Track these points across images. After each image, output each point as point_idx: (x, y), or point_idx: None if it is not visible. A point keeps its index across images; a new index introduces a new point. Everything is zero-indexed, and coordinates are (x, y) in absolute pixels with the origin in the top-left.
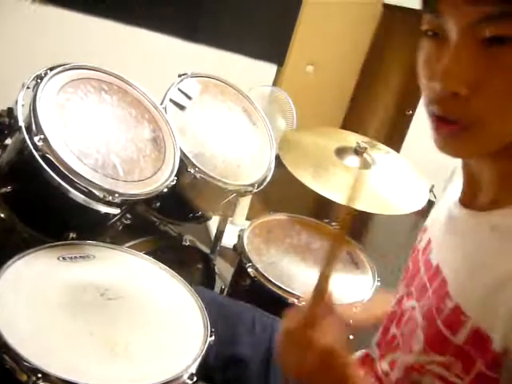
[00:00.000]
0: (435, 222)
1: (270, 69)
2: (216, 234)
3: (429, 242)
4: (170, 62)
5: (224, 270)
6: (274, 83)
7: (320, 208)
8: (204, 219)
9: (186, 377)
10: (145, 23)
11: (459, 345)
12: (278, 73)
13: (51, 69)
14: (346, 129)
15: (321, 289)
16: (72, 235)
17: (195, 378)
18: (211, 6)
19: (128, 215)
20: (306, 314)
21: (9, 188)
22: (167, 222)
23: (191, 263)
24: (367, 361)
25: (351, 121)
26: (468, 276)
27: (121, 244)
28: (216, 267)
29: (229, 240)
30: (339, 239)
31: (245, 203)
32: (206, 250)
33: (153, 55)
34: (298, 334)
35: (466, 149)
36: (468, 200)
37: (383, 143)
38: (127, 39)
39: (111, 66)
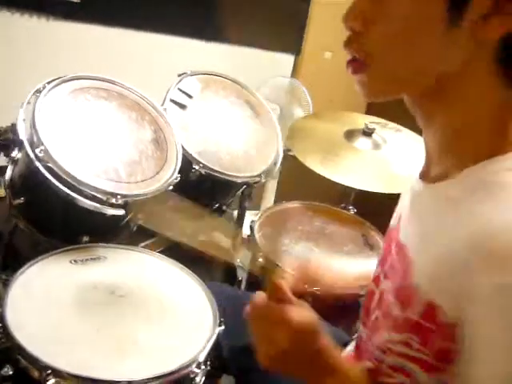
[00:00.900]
0: (404, 199)
1: (287, 59)
2: (235, 225)
3: (399, 220)
4: (181, 63)
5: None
6: (293, 73)
7: (339, 193)
8: (219, 213)
9: (194, 366)
10: (150, 25)
11: (416, 320)
12: (296, 62)
13: (49, 82)
14: (370, 114)
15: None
16: (85, 239)
17: (203, 367)
18: (218, 1)
19: (139, 216)
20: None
21: (22, 199)
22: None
23: (209, 258)
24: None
25: (375, 105)
26: (425, 250)
27: (136, 244)
28: (239, 260)
29: None
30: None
31: (270, 195)
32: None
33: (162, 57)
34: (268, 308)
35: (369, 87)
36: (425, 174)
37: (408, 126)
38: (133, 44)
39: (117, 73)
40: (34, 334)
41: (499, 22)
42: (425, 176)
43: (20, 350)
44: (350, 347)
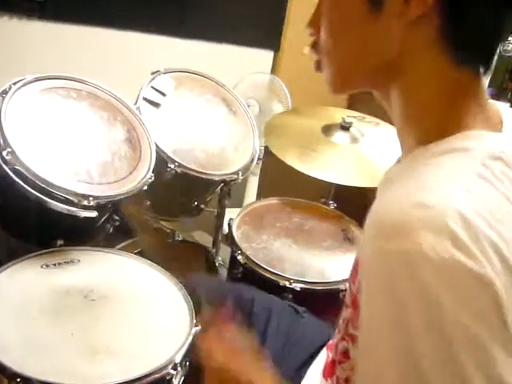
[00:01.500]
0: None
1: (266, 55)
2: (215, 224)
3: None
4: (157, 61)
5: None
6: (273, 69)
7: (321, 188)
8: (197, 212)
9: (170, 367)
10: (124, 23)
11: (354, 294)
12: (276, 58)
13: (15, 83)
14: (352, 109)
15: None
16: (60, 242)
17: (179, 368)
18: None
19: (116, 217)
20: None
21: None
22: (160, 220)
23: (189, 257)
24: None
25: (356, 100)
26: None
27: (113, 246)
28: (220, 258)
29: None
30: None
31: (252, 192)
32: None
33: (136, 55)
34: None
35: (329, 82)
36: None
37: (389, 120)
38: (105, 42)
39: (89, 72)
40: (4, 341)
41: (418, 3)
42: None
43: None
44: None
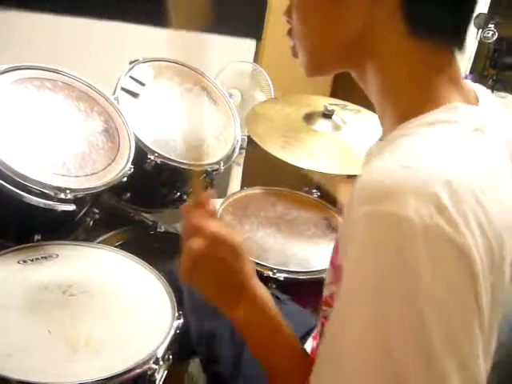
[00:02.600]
0: None
1: (249, 45)
2: None
3: None
4: (137, 50)
5: None
6: (255, 58)
7: (304, 177)
8: (180, 203)
9: (151, 362)
10: (101, 12)
11: (339, 265)
12: (258, 47)
13: None
14: (335, 97)
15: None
16: (37, 237)
17: (162, 362)
18: None
19: (95, 210)
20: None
21: None
22: (142, 212)
23: (172, 249)
24: None
25: (339, 88)
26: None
27: (94, 239)
28: None
29: None
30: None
31: (236, 182)
32: None
33: (115, 45)
34: (191, 215)
35: (303, 65)
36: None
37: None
38: (82, 32)
39: (65, 62)
40: None
41: None
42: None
43: None
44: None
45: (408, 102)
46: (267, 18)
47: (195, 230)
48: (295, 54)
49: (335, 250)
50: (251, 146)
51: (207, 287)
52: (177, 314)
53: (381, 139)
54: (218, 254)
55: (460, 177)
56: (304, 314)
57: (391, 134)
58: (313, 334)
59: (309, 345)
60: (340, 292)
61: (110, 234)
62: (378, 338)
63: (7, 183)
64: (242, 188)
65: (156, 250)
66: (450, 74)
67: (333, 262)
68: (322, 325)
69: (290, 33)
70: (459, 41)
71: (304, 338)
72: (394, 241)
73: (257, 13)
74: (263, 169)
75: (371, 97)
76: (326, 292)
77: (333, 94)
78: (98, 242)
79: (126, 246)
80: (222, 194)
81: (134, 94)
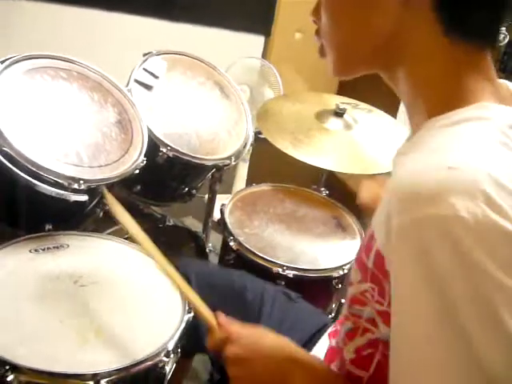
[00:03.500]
0: None
1: (257, 40)
2: (205, 210)
3: None
4: (148, 43)
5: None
6: (264, 54)
7: (311, 175)
8: (189, 197)
9: (162, 355)
10: (116, 5)
11: (371, 268)
12: (267, 43)
13: (2, 62)
14: (341, 95)
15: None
16: (48, 227)
17: (172, 355)
18: None
19: (106, 201)
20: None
21: None
22: (151, 204)
23: (180, 243)
24: None
25: (346, 86)
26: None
27: (103, 231)
28: (210, 244)
29: None
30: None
31: (242, 178)
32: (200, 228)
33: (127, 37)
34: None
35: (331, 66)
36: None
37: (380, 107)
38: (97, 24)
39: (80, 53)
40: None
41: None
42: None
43: None
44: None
45: (439, 99)
46: (276, 14)
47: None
48: (323, 54)
49: (365, 251)
50: (257, 142)
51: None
52: (187, 308)
53: (409, 138)
54: (252, 347)
55: (503, 171)
56: (315, 312)
57: (421, 131)
58: (329, 332)
59: (323, 343)
60: (396, 302)
61: (119, 226)
62: (452, 332)
63: (21, 171)
64: (247, 184)
65: (164, 243)
66: (484, 72)
67: (361, 262)
68: (354, 324)
69: (317, 33)
70: (492, 39)
71: (315, 336)
72: (449, 241)
73: (266, 8)
74: (269, 165)
75: (401, 97)
76: (353, 290)
77: (340, 92)
78: (107, 234)
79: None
80: (227, 189)
81: (148, 87)
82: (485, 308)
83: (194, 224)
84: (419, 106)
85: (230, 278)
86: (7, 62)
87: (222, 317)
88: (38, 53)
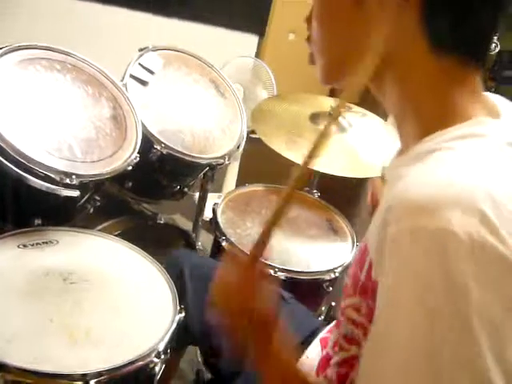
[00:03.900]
0: None
1: (251, 40)
2: (196, 209)
3: None
4: (142, 38)
5: (209, 244)
6: (257, 54)
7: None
8: (181, 195)
9: (153, 355)
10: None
11: (363, 281)
12: (260, 43)
13: None
14: (334, 96)
15: (261, 244)
16: (37, 222)
17: (163, 356)
18: None
19: (97, 197)
20: (245, 264)
21: None
22: (142, 202)
23: (170, 241)
24: None
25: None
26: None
27: (93, 227)
28: (200, 243)
29: None
30: (289, 197)
31: (232, 177)
32: (190, 227)
33: (122, 31)
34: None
35: (319, 73)
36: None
37: (369, 108)
38: (93, 17)
39: (75, 45)
40: None
41: None
42: (397, 154)
43: None
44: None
45: (430, 114)
46: (271, 14)
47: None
48: (313, 61)
49: (358, 264)
50: (248, 142)
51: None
52: (178, 308)
53: (400, 152)
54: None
55: (501, 190)
56: (307, 315)
57: (417, 147)
58: (320, 337)
59: (314, 349)
60: (380, 309)
61: (109, 222)
62: (426, 352)
63: (12, 165)
64: (237, 183)
65: (153, 240)
66: (472, 87)
67: (355, 275)
68: (345, 337)
69: (309, 39)
70: (480, 55)
71: (307, 340)
72: (439, 255)
73: (261, 8)
74: (260, 165)
75: (389, 109)
76: (346, 302)
77: (332, 93)
78: (98, 230)
79: (124, 236)
80: (217, 188)
81: (143, 82)
82: (461, 325)
83: (182, 221)
84: (408, 120)
85: None
86: (0, 51)
87: None
88: (33, 43)
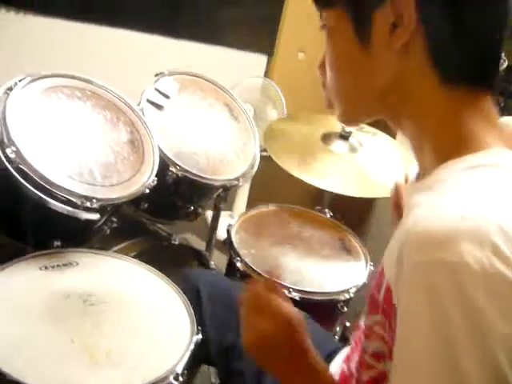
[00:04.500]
0: None
1: (260, 60)
2: (210, 228)
3: None
4: (152, 61)
5: (223, 264)
6: (266, 74)
7: (313, 196)
8: (194, 216)
9: (171, 377)
10: (124, 23)
11: (381, 301)
12: (269, 63)
13: (21, 80)
14: None
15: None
16: (57, 243)
17: (181, 378)
18: (193, 0)
19: (114, 219)
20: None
21: None
22: (157, 222)
23: (184, 262)
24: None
25: None
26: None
27: (109, 248)
28: (212, 263)
29: None
30: None
31: (243, 196)
32: (202, 246)
33: (133, 55)
34: (259, 300)
35: (338, 117)
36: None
37: (379, 127)
38: (101, 41)
39: (88, 71)
40: (1, 347)
41: (402, 30)
42: (416, 176)
43: None
44: (344, 350)
45: (446, 144)
46: (279, 33)
47: (263, 310)
48: (330, 106)
49: (376, 285)
50: (262, 161)
51: (271, 363)
52: (195, 329)
53: (420, 176)
54: (286, 337)
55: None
56: (325, 335)
57: (432, 175)
58: (343, 358)
59: (333, 367)
60: (399, 340)
61: (126, 243)
62: (446, 370)
63: (34, 188)
64: (248, 202)
65: (167, 261)
66: (486, 115)
67: (373, 298)
68: (373, 354)
69: (324, 85)
70: (489, 82)
71: (326, 360)
72: (453, 286)
73: (270, 28)
74: (271, 185)
75: (407, 139)
76: (371, 320)
77: None
78: (114, 251)
79: (140, 257)
80: (228, 208)
81: (159, 106)
82: (482, 351)
83: (194, 241)
84: (425, 150)
85: (239, 291)
86: (25, 81)
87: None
88: (56, 72)
